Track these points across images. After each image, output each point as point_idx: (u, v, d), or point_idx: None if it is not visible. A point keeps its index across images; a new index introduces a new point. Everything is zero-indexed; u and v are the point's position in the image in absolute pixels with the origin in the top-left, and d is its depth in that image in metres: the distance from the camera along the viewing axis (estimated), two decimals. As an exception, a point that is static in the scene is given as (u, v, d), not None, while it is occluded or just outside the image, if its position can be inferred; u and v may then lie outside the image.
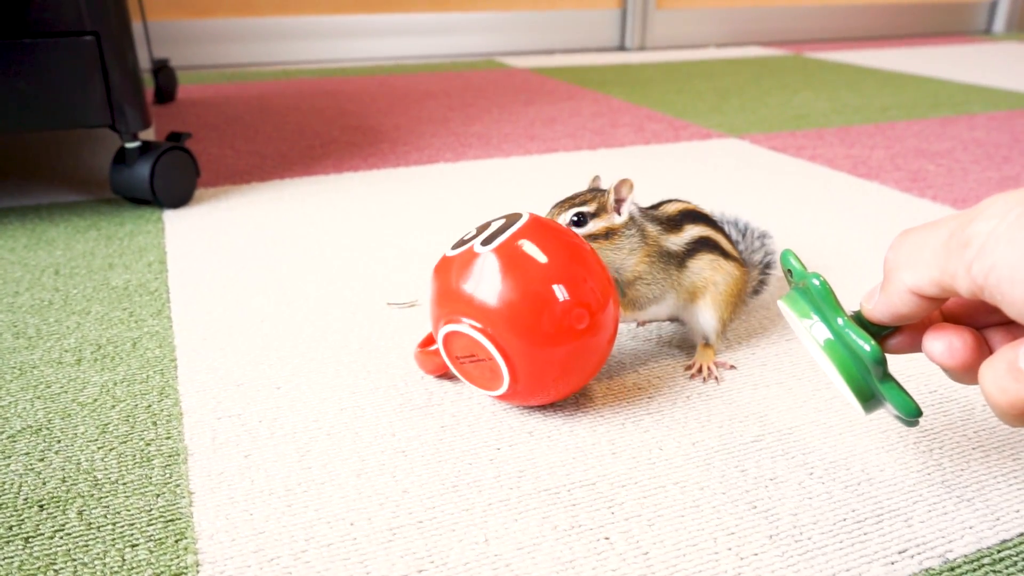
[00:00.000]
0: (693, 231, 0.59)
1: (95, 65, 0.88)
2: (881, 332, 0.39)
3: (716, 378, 0.59)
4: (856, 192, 1.04)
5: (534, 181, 1.09)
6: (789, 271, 0.42)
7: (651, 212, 0.60)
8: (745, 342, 0.64)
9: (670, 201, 0.62)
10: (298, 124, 1.44)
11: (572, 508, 0.45)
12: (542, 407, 0.55)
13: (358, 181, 1.09)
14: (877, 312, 0.37)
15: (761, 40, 2.75)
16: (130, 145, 0.94)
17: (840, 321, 0.38)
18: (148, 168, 0.94)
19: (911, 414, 0.38)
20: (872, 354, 0.36)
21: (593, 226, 0.56)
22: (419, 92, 1.77)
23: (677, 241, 0.59)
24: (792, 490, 0.47)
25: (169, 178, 0.96)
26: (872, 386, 0.38)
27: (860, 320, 0.39)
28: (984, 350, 0.35)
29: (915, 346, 0.39)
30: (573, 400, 0.56)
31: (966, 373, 0.36)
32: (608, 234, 0.56)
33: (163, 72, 1.63)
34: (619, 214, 0.57)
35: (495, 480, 0.48)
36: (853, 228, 0.90)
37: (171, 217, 0.94)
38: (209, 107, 1.60)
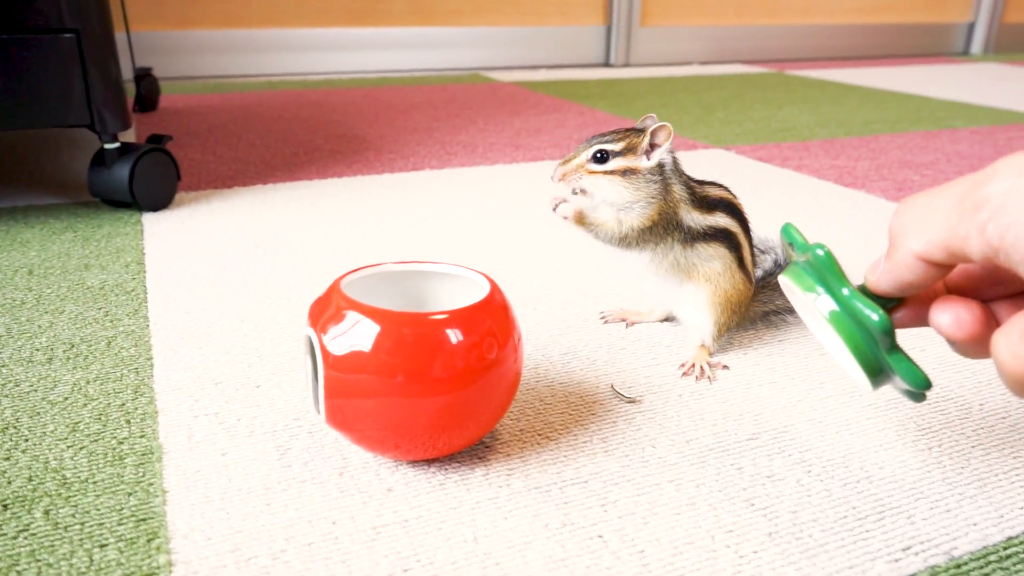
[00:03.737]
0: (721, 220, 0.58)
1: (75, 64, 0.86)
2: (886, 305, 0.38)
3: (709, 377, 0.57)
4: (843, 201, 1.04)
5: (520, 187, 1.08)
6: (791, 244, 0.40)
7: (691, 181, 0.58)
8: (737, 342, 0.63)
9: (719, 186, 0.60)
10: (282, 132, 1.42)
11: (564, 506, 0.44)
12: (533, 405, 0.53)
13: (342, 187, 1.07)
14: (883, 282, 0.35)
15: (744, 58, 2.77)
16: (109, 146, 0.92)
17: (846, 291, 0.36)
18: (127, 170, 0.92)
19: (920, 385, 0.36)
20: (880, 323, 0.35)
21: (614, 164, 0.55)
22: (404, 104, 1.76)
23: (699, 220, 0.57)
24: (790, 488, 0.45)
25: (149, 180, 0.94)
26: (880, 359, 0.37)
27: (864, 293, 0.37)
28: (991, 323, 0.34)
29: (919, 319, 0.37)
30: (564, 397, 0.54)
31: (973, 346, 0.35)
32: (626, 172, 0.55)
33: (145, 81, 1.61)
34: (648, 158, 0.55)
35: (484, 478, 0.46)
36: (842, 235, 0.90)
37: (150, 220, 0.92)
38: (192, 116, 1.58)
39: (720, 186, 0.60)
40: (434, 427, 0.44)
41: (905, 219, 0.33)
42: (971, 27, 3.13)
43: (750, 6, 2.75)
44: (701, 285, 0.58)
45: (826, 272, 0.37)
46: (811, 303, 0.38)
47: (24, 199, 1.00)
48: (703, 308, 0.59)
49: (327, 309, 0.45)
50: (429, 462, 0.47)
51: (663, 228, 0.56)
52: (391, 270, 0.50)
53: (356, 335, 0.43)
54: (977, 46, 3.12)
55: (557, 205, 0.57)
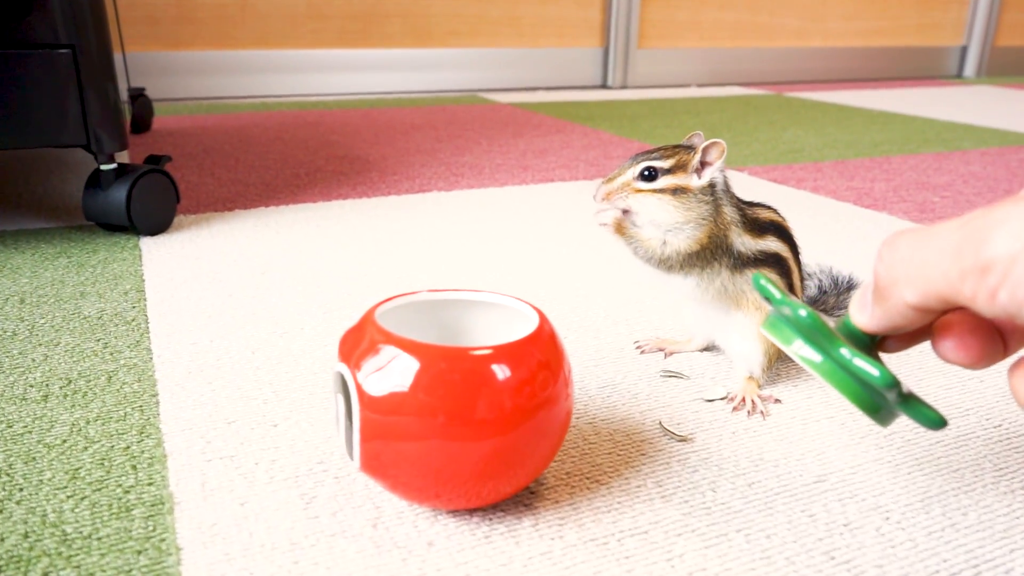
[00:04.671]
0: (772, 244, 0.54)
1: (70, 81, 0.82)
2: (875, 338, 0.36)
3: (762, 412, 0.53)
4: (866, 223, 1.01)
5: (533, 208, 1.04)
6: (767, 299, 0.38)
7: (741, 203, 0.54)
8: (784, 373, 0.59)
9: (767, 207, 0.56)
10: (281, 154, 1.38)
11: (625, 561, 0.39)
12: (577, 444, 0.49)
13: (348, 209, 1.03)
14: (873, 325, 0.34)
15: (740, 80, 2.77)
16: (105, 167, 0.88)
17: (844, 351, 0.35)
18: (124, 192, 0.87)
19: (939, 426, 0.35)
20: (883, 380, 0.33)
21: (663, 182, 0.51)
22: (404, 124, 1.73)
23: (750, 244, 0.53)
24: (871, 537, 0.41)
25: (147, 203, 0.89)
26: (876, 398, 0.35)
27: (849, 329, 0.36)
28: (994, 336, 0.33)
29: (911, 343, 0.37)
30: (609, 435, 0.50)
31: (980, 363, 0.34)
32: (676, 191, 0.51)
33: (139, 101, 1.57)
34: (699, 177, 0.52)
35: (533, 529, 0.41)
36: (871, 258, 0.87)
37: (149, 244, 0.87)
38: (187, 137, 1.54)
39: (769, 208, 0.56)
40: (480, 473, 0.39)
41: (894, 268, 0.31)
42: (964, 50, 3.15)
43: (746, 29, 2.75)
44: (750, 313, 0.54)
45: (815, 333, 0.35)
46: (794, 353, 0.36)
47: (14, 223, 0.95)
48: (752, 337, 0.55)
49: (360, 343, 0.40)
50: (471, 511, 0.42)
51: (711, 252, 0.52)
52: (428, 299, 0.46)
53: (394, 372, 0.38)
54: (970, 69, 3.13)
55: (600, 211, 0.53)
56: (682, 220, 0.51)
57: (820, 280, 0.65)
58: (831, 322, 0.37)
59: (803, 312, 0.36)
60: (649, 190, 0.51)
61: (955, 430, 0.51)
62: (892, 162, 1.41)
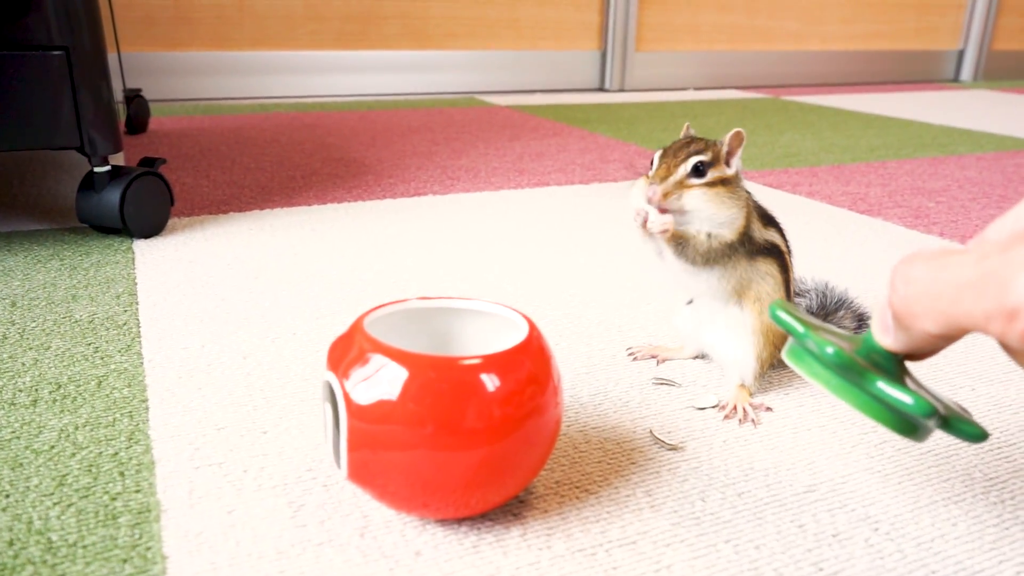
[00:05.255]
0: (775, 237, 0.55)
1: (64, 82, 0.82)
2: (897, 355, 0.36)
3: (753, 420, 0.53)
4: (862, 228, 1.01)
5: (528, 212, 1.04)
6: (787, 331, 0.38)
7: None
8: (776, 382, 0.59)
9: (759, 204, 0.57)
10: (277, 156, 1.38)
11: (613, 572, 0.39)
12: (567, 453, 0.49)
13: (343, 212, 1.03)
14: (898, 347, 0.34)
15: (738, 83, 2.77)
16: (99, 169, 0.87)
17: (880, 385, 0.34)
18: (118, 194, 0.87)
19: (981, 439, 0.35)
20: (922, 410, 0.33)
21: (710, 176, 0.51)
22: (401, 127, 1.73)
23: (760, 233, 0.54)
24: (860, 548, 0.41)
25: (141, 205, 0.89)
26: (916, 424, 0.35)
27: (872, 346, 0.35)
28: None
29: (939, 350, 0.36)
30: (599, 444, 0.50)
31: None
32: (724, 183, 0.51)
33: (135, 102, 1.57)
34: (729, 166, 0.52)
35: (521, 539, 0.41)
36: (867, 265, 0.87)
37: (142, 247, 0.87)
38: (183, 138, 1.54)
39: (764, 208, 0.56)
40: (468, 483, 0.39)
41: (910, 303, 0.31)
42: (961, 54, 3.15)
43: (744, 32, 2.75)
44: (749, 307, 0.54)
45: (845, 371, 0.35)
46: (821, 386, 0.36)
47: (6, 224, 0.95)
48: (747, 337, 0.54)
49: (349, 351, 0.40)
50: (460, 521, 0.42)
51: (739, 242, 0.52)
52: (417, 307, 0.46)
53: (382, 381, 0.38)
54: (967, 73, 3.14)
55: (646, 220, 0.51)
56: (736, 211, 0.51)
57: (810, 302, 0.64)
58: (848, 344, 0.36)
59: (830, 350, 0.35)
60: (699, 185, 0.50)
61: (945, 440, 0.51)
62: (888, 167, 1.41)
